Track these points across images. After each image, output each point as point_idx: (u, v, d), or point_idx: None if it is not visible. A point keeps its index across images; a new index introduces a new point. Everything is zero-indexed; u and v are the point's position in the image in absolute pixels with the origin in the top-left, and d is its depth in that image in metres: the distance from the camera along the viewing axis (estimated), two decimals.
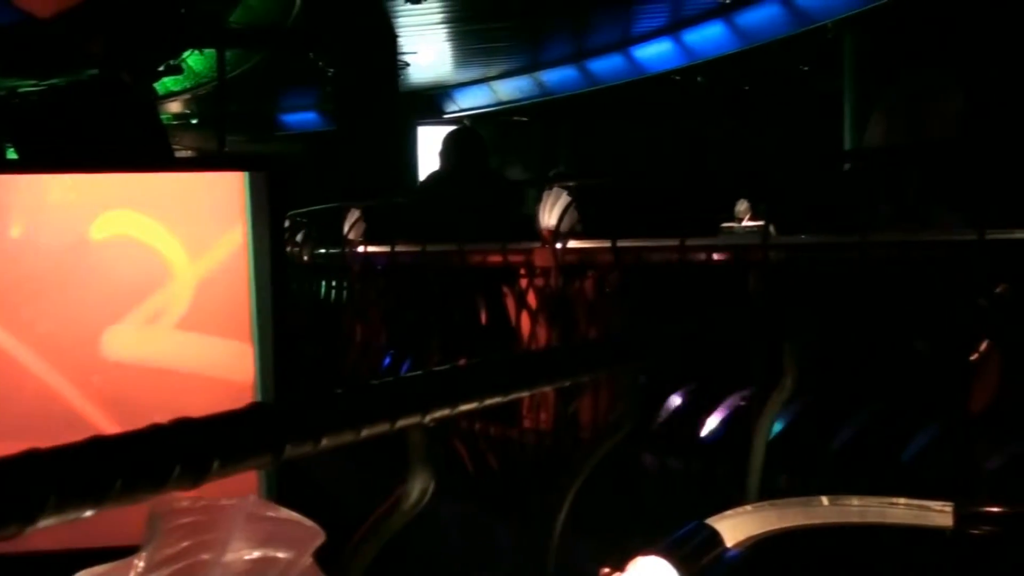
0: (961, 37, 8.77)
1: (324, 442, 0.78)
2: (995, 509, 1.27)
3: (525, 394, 1.05)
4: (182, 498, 0.85)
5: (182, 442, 0.69)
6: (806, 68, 13.23)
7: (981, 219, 2.42)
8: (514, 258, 3.93)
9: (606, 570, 1.11)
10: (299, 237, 6.10)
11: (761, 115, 13.64)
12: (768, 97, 13.85)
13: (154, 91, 10.24)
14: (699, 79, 13.62)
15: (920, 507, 1.24)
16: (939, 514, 1.22)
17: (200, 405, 0.78)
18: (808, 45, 11.52)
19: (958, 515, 1.22)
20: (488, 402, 0.96)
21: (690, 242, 3.14)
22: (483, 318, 4.35)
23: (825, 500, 1.28)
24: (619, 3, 11.60)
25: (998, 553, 1.26)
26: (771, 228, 3.32)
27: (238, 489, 0.93)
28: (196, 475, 0.69)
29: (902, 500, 1.25)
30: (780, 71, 13.31)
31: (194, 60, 11.55)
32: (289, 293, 3.16)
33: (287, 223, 5.49)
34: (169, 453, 0.68)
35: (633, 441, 2.92)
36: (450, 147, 5.35)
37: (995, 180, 2.69)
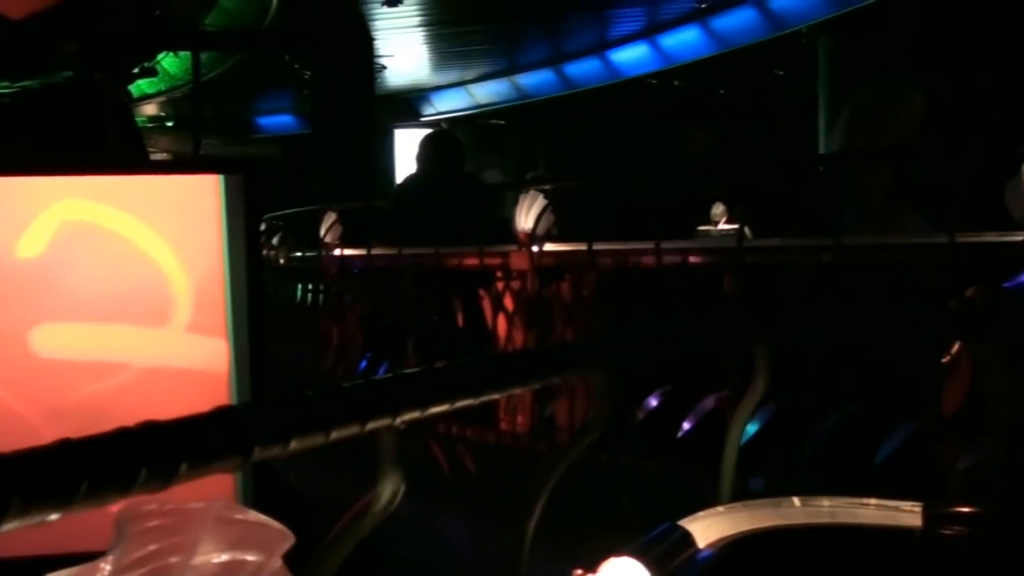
0: (935, 42, 8.85)
1: (293, 444, 0.78)
2: (964, 509, 1.28)
3: (496, 396, 1.05)
4: (150, 501, 0.85)
5: (148, 445, 0.69)
6: (781, 73, 13.32)
7: (951, 222, 2.44)
8: (491, 261, 3.94)
9: (579, 571, 1.11)
10: (275, 240, 6.08)
11: (736, 119, 13.72)
12: (743, 101, 13.93)
13: (129, 93, 10.17)
14: (676, 83, 13.69)
15: (890, 508, 1.25)
16: (908, 514, 1.23)
17: (174, 407, 0.78)
18: (783, 50, 11.59)
19: (927, 515, 1.23)
20: (459, 404, 0.96)
21: (666, 245, 3.16)
22: (460, 321, 4.35)
23: (796, 501, 1.28)
24: (596, 7, 11.63)
25: (967, 553, 1.27)
26: (747, 231, 3.34)
27: (213, 492, 0.92)
28: (163, 478, 0.69)
29: (872, 501, 1.26)
30: (755, 75, 13.39)
31: (169, 62, 11.49)
32: (264, 296, 3.15)
33: (263, 226, 5.48)
34: (135, 456, 0.68)
35: (607, 443, 2.93)
36: (427, 150, 5.35)
37: (961, 183, 2.72)
